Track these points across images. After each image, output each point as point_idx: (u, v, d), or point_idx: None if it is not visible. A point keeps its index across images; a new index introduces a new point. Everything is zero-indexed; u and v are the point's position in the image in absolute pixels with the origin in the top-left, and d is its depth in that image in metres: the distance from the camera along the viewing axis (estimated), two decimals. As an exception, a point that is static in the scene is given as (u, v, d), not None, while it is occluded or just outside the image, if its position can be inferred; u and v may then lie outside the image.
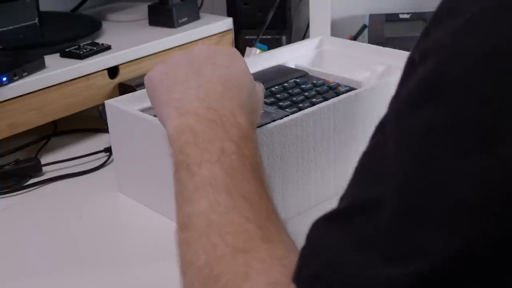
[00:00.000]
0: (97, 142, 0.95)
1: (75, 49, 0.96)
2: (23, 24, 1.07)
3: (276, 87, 0.83)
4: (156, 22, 1.12)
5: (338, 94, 0.78)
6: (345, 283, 0.34)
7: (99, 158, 0.90)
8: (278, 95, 0.80)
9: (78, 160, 0.90)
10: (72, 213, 0.78)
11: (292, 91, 0.81)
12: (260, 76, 0.81)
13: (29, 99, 0.88)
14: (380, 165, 0.37)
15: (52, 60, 0.93)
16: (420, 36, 0.39)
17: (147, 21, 1.13)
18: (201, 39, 1.10)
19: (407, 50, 0.96)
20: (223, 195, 0.46)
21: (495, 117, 0.32)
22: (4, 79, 0.84)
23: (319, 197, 0.75)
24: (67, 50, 0.96)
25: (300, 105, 0.77)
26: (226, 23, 1.14)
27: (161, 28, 1.10)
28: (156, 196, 0.76)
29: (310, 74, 0.88)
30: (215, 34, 1.12)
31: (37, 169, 0.87)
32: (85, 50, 0.96)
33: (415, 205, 0.34)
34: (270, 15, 1.12)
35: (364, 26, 1.15)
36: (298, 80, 0.85)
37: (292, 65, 0.91)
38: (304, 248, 0.39)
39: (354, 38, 1.13)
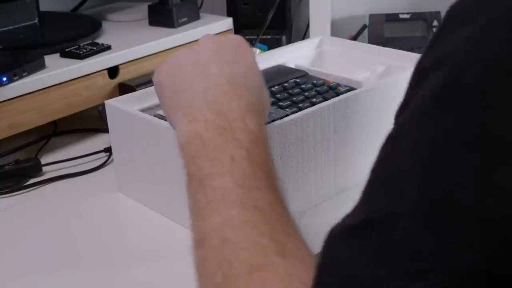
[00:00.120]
0: (97, 142, 0.95)
1: (75, 49, 0.96)
2: (23, 24, 1.06)
3: (276, 87, 0.83)
4: (156, 22, 1.12)
5: (338, 94, 0.78)
6: None
7: (99, 158, 0.90)
8: (278, 95, 0.80)
9: (78, 160, 0.90)
10: (72, 213, 0.78)
11: (292, 91, 0.81)
12: (260, 76, 0.81)
13: (29, 99, 0.88)
14: (394, 178, 0.36)
15: (52, 60, 0.93)
16: (429, 44, 0.38)
17: (147, 21, 1.13)
18: (201, 39, 1.10)
19: (407, 50, 0.96)
20: (236, 209, 0.45)
21: None
22: (4, 79, 0.84)
23: (319, 197, 0.75)
24: (67, 50, 0.96)
25: (300, 105, 0.77)
26: (226, 23, 1.14)
27: (161, 28, 1.10)
28: (156, 196, 0.76)
29: (310, 74, 0.88)
30: (215, 34, 1.12)
31: (37, 169, 0.87)
32: (85, 50, 0.96)
33: (432, 219, 0.33)
34: (270, 15, 1.12)
35: (364, 26, 1.15)
36: (298, 80, 0.85)
37: (292, 65, 0.91)
38: (320, 266, 0.38)
39: (354, 38, 1.13)
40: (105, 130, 0.86)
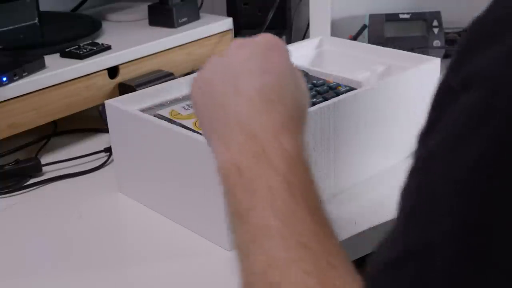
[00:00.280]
0: (97, 142, 0.95)
1: (75, 49, 0.96)
2: (23, 24, 1.06)
3: (276, 87, 0.83)
4: (156, 22, 1.12)
5: (338, 94, 0.78)
6: None
7: (99, 158, 0.90)
8: (278, 95, 0.80)
9: (78, 160, 0.90)
10: (72, 213, 0.78)
11: (292, 91, 0.81)
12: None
13: (29, 99, 0.88)
14: (429, 206, 0.35)
15: (52, 60, 0.93)
16: (453, 63, 0.37)
17: (147, 21, 1.13)
18: (201, 39, 1.10)
19: (407, 50, 0.96)
20: (280, 247, 0.43)
21: None
22: (4, 79, 0.84)
23: (319, 197, 0.75)
24: (67, 50, 0.96)
25: (300, 105, 0.77)
26: (226, 23, 1.14)
27: (161, 28, 1.10)
28: (156, 196, 0.76)
29: (310, 74, 0.88)
30: (215, 34, 1.12)
31: (37, 169, 0.87)
32: (85, 50, 0.96)
33: (471, 248, 0.32)
34: (270, 15, 1.12)
35: (364, 26, 1.15)
36: (298, 80, 0.85)
37: (292, 65, 0.91)
38: None
39: (354, 38, 1.13)
40: (105, 130, 0.86)
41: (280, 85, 0.53)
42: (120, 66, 0.99)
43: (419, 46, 1.10)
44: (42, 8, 1.10)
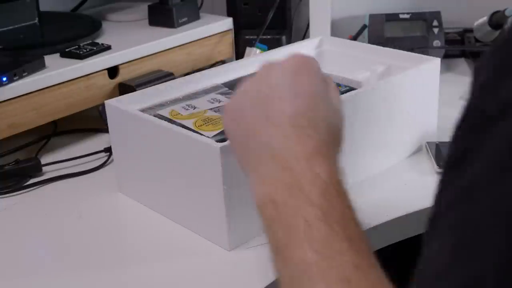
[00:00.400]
0: (97, 142, 0.95)
1: (75, 49, 0.96)
2: (23, 24, 1.07)
3: (276, 87, 0.83)
4: (156, 22, 1.12)
5: (338, 94, 0.78)
6: None
7: (99, 158, 0.90)
8: (278, 95, 0.80)
9: (78, 160, 0.90)
10: (72, 213, 0.78)
11: (292, 91, 0.81)
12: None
13: (29, 99, 0.88)
14: (474, 240, 0.34)
15: (52, 60, 0.93)
16: (486, 85, 0.36)
17: (147, 21, 1.13)
18: (201, 39, 1.10)
19: (407, 50, 0.96)
20: (320, 285, 0.42)
21: None
22: (4, 79, 0.84)
23: (319, 197, 0.75)
24: (67, 50, 0.96)
25: (300, 105, 0.77)
26: (226, 23, 1.14)
27: (161, 28, 1.10)
28: (156, 196, 0.76)
29: (310, 74, 0.87)
30: (215, 34, 1.12)
31: (37, 169, 0.87)
32: (85, 50, 0.96)
33: None
34: (270, 15, 1.12)
35: (364, 26, 1.15)
36: (298, 80, 0.85)
37: (292, 65, 0.91)
38: None
39: (354, 38, 1.12)
40: (105, 130, 0.86)
41: (312, 109, 0.52)
42: (120, 66, 0.99)
43: (419, 46, 1.10)
44: (42, 8, 1.10)
